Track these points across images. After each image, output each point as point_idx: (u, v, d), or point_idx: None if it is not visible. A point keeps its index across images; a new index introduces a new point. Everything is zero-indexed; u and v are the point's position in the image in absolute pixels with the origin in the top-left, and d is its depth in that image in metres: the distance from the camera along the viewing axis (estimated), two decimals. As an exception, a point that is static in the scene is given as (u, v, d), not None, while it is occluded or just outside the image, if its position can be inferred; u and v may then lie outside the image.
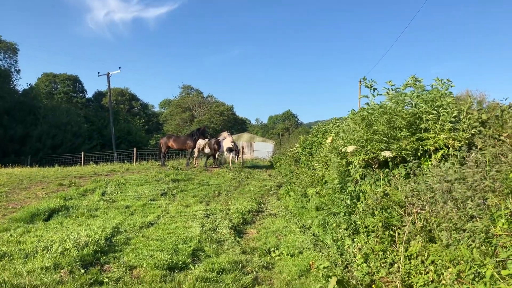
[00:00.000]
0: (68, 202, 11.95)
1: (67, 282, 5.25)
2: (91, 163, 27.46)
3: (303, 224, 9.61)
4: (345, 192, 7.20)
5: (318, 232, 8.71)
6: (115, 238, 7.85)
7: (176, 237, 8.11)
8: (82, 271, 5.84)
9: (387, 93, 7.51)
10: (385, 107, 6.83)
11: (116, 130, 50.55)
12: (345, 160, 7.56)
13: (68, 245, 6.79)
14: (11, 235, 8.07)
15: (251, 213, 11.16)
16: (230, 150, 25.87)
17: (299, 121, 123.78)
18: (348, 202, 6.81)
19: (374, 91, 7.22)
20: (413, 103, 6.88)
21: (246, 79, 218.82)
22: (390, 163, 6.71)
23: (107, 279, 5.53)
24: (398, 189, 6.19)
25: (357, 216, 6.68)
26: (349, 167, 7.51)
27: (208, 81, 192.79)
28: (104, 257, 6.65)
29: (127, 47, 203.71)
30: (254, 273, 6.24)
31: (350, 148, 6.81)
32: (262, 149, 62.53)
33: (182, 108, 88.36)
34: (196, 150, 24.88)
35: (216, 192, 15.05)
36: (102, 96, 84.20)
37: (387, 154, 6.45)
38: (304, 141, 14.09)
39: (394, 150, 6.55)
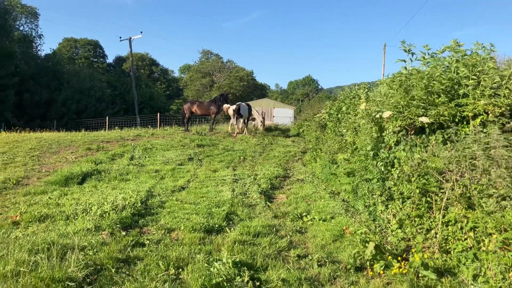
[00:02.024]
0: (99, 166, 12.20)
1: (111, 244, 5.41)
2: (116, 128, 27.84)
3: (332, 190, 9.65)
4: (379, 159, 7.16)
5: (348, 198, 8.75)
6: (150, 202, 8.03)
7: (208, 201, 8.25)
8: (123, 233, 6.02)
9: (423, 57, 7.33)
10: (423, 72, 6.68)
11: (138, 95, 50.84)
12: (379, 126, 7.48)
13: (107, 208, 6.98)
14: (49, 198, 8.32)
15: (278, 179, 11.25)
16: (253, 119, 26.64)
17: (320, 87, 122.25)
18: (382, 168, 6.78)
19: (412, 55, 7.05)
20: (452, 68, 6.71)
21: (265, 43, 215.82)
22: (427, 129, 6.62)
23: (148, 241, 5.68)
24: (435, 155, 6.13)
25: (392, 183, 6.66)
26: (383, 133, 7.44)
27: (228, 45, 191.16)
28: (142, 220, 6.83)
29: (146, 11, 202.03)
30: (288, 237, 6.33)
31: (386, 114, 6.72)
32: (282, 115, 62.17)
33: (202, 74, 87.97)
34: (231, 115, 25.06)
35: (241, 157, 15.15)
36: (122, 61, 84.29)
37: (424, 120, 6.36)
38: (331, 106, 13.95)
39: (432, 116, 6.45)
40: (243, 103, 23.87)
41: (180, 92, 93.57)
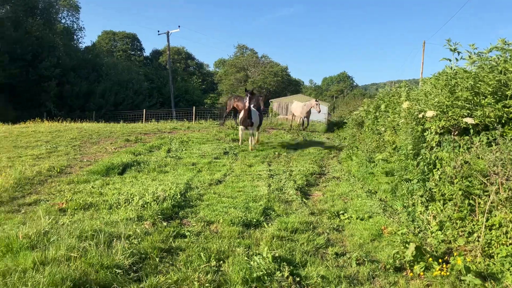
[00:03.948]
0: (138, 157, 12.50)
1: (153, 234, 5.58)
2: (152, 120, 28.38)
3: (369, 189, 9.57)
4: (420, 159, 7.07)
5: (386, 197, 8.66)
6: (188, 194, 8.20)
7: (245, 195, 8.34)
8: (164, 223, 6.18)
9: (469, 56, 7.17)
10: (470, 72, 6.53)
11: (174, 89, 51.58)
12: (421, 126, 7.37)
13: (148, 199, 7.18)
14: (92, 187, 8.61)
15: (313, 176, 11.23)
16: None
17: (354, 83, 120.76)
18: (425, 169, 6.69)
19: (458, 54, 6.90)
20: (500, 68, 6.53)
21: (301, 39, 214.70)
22: (471, 131, 6.49)
23: (188, 233, 5.82)
24: (479, 157, 6.00)
25: (433, 183, 6.56)
26: (425, 133, 7.33)
27: (263, 40, 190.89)
28: (182, 212, 6.99)
29: (184, 5, 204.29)
30: (326, 234, 6.35)
31: (430, 114, 6.62)
32: (316, 111, 61.80)
33: (236, 68, 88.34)
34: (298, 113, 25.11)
35: (276, 153, 15.18)
36: (159, 54, 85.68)
37: (469, 120, 6.23)
38: (369, 104, 13.80)
39: (477, 117, 6.31)
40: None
41: (214, 86, 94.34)
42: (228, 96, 28.81)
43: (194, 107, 33.37)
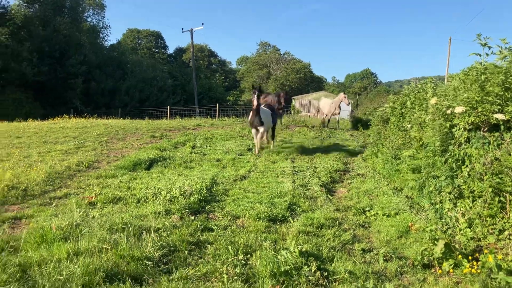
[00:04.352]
0: (163, 153, 12.68)
1: (181, 227, 5.67)
2: (176, 117, 28.69)
3: (395, 186, 9.47)
4: (448, 155, 6.96)
5: (412, 194, 8.56)
6: (214, 189, 8.28)
7: (270, 191, 8.36)
8: (192, 217, 6.27)
9: (500, 51, 7.01)
10: (501, 68, 6.39)
11: (198, 86, 51.96)
12: (449, 122, 7.25)
13: (175, 193, 7.28)
14: (120, 181, 8.78)
15: (338, 172, 11.18)
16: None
17: (378, 80, 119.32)
18: (454, 165, 6.59)
19: (488, 49, 6.76)
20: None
21: (324, 36, 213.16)
22: (502, 127, 6.36)
23: (215, 227, 5.89)
24: (510, 154, 5.88)
25: (462, 180, 6.47)
26: (453, 130, 7.21)
27: (286, 37, 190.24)
28: (208, 206, 7.07)
29: (206, 2, 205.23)
30: (352, 230, 6.32)
31: (459, 109, 6.50)
32: (345, 104, 61.22)
33: (259, 65, 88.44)
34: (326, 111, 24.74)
35: (299, 150, 15.15)
36: (182, 52, 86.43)
37: (500, 116, 6.10)
38: (394, 101, 13.62)
39: (508, 112, 6.18)
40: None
41: (237, 84, 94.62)
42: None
43: (217, 104, 33.57)
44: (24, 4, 47.34)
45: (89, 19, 56.58)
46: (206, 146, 15.09)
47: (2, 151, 12.70)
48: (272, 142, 15.73)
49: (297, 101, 55.54)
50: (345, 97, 24.28)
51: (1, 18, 43.17)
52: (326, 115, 25.70)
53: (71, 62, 43.28)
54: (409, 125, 10.99)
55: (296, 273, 4.41)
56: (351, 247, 5.59)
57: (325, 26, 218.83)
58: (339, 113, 25.31)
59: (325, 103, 25.73)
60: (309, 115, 37.89)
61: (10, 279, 3.80)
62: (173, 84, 53.86)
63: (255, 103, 13.50)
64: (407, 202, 7.93)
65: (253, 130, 14.27)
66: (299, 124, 26.81)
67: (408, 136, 11.08)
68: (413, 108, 11.28)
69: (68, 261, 4.20)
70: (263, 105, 15.17)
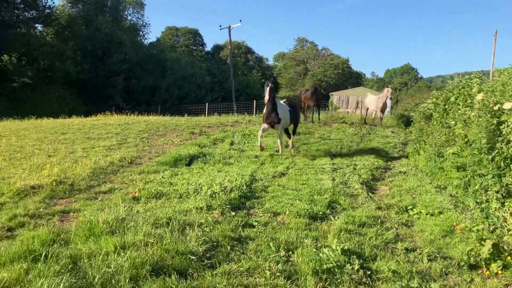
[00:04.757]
0: (203, 149, 12.86)
1: (223, 222, 5.74)
2: (214, 113, 28.99)
3: (438, 184, 9.24)
4: (496, 153, 6.72)
5: (457, 193, 8.33)
6: (254, 185, 8.33)
7: (310, 188, 8.33)
8: (232, 213, 6.33)
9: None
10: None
11: (235, 83, 52.28)
12: (496, 118, 7.00)
13: (216, 189, 7.37)
14: (162, 177, 8.97)
15: (379, 170, 11.00)
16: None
17: (419, 75, 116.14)
18: (501, 164, 6.36)
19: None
20: None
21: (363, 30, 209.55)
22: (555, 124, 6.09)
23: (256, 223, 5.93)
24: None
25: (510, 179, 6.24)
26: (501, 127, 6.95)
27: (324, 32, 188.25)
28: (248, 202, 7.13)
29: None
30: (394, 229, 6.21)
31: (508, 105, 6.27)
32: (374, 102, 60.17)
33: (296, 61, 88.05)
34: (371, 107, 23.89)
35: (338, 146, 15.01)
36: (220, 49, 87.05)
37: (553, 113, 5.85)
38: (438, 96, 13.25)
39: (562, 109, 5.91)
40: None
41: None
42: (300, 90, 28.04)
43: (254, 101, 33.67)
44: (68, 5, 48.99)
45: (129, 18, 58.01)
46: (244, 143, 15.17)
47: (49, 147, 13.22)
48: (291, 144, 14.13)
49: (335, 97, 54.96)
50: (389, 91, 22.58)
51: (47, 18, 44.83)
52: (373, 112, 24.63)
53: (112, 60, 44.48)
54: (453, 122, 10.68)
55: (339, 271, 4.38)
56: (394, 246, 5.50)
57: (364, 20, 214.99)
58: (386, 110, 23.76)
59: (371, 100, 24.46)
60: (348, 111, 37.31)
61: (63, 270, 3.95)
62: (211, 81, 54.42)
63: (267, 97, 12.05)
64: (451, 201, 7.72)
65: (264, 125, 12.95)
66: (338, 120, 26.50)
67: (452, 133, 10.77)
68: (458, 104, 10.96)
69: (116, 254, 4.33)
70: (284, 100, 14.01)
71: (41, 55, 40.59)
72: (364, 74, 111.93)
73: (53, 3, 52.54)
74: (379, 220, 6.55)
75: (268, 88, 12.04)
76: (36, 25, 46.24)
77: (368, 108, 25.09)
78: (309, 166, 11.12)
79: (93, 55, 44.15)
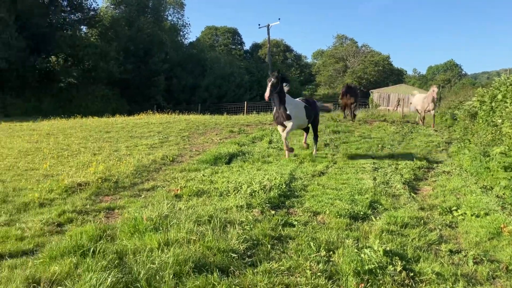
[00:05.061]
0: (242, 148, 12.96)
1: (263, 221, 5.78)
2: (253, 112, 29.11)
3: (484, 185, 8.94)
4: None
5: (504, 194, 8.03)
6: (293, 184, 8.33)
7: (350, 187, 8.25)
8: (272, 212, 6.36)
9: None
10: None
11: (273, 81, 52.20)
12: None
13: (256, 188, 7.42)
14: (203, 175, 9.11)
15: (421, 169, 10.74)
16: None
17: (463, 72, 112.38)
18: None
19: None
20: None
21: (404, 27, 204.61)
22: None
23: (296, 222, 5.93)
24: None
25: (563, 181, 5.97)
26: (553, 125, 6.67)
27: (364, 29, 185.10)
28: (288, 201, 7.14)
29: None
30: (438, 230, 6.06)
31: (561, 104, 6.00)
32: (420, 102, 58.72)
33: (335, 59, 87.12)
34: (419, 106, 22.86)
35: (379, 145, 14.77)
36: (258, 48, 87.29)
37: None
38: (483, 94, 12.81)
39: None
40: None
41: (312, 78, 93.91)
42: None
43: (293, 99, 33.55)
44: (112, 6, 50.46)
45: (169, 18, 59.15)
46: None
47: (94, 145, 13.68)
48: (314, 146, 12.95)
49: (375, 94, 54.07)
50: (435, 91, 21.38)
51: (92, 20, 46.37)
52: (420, 112, 23.09)
53: (154, 60, 45.50)
54: (500, 120, 10.33)
55: (381, 272, 4.33)
56: (437, 247, 5.37)
57: (405, 15, 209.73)
58: (433, 109, 22.12)
59: (418, 99, 23.07)
60: (388, 109, 36.57)
61: (109, 265, 4.10)
62: (249, 80, 54.69)
63: (267, 93, 10.60)
64: (498, 202, 7.45)
65: (278, 127, 11.91)
66: (378, 118, 26.05)
67: (498, 131, 10.42)
68: (505, 102, 10.59)
69: (159, 251, 4.45)
70: (301, 98, 12.80)
71: (86, 55, 42.02)
72: (406, 71, 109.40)
73: (97, 5, 54.21)
74: (422, 221, 6.41)
75: (269, 84, 10.72)
76: (81, 27, 47.89)
77: (416, 108, 23.63)
78: (349, 165, 11.01)
79: (135, 55, 45.31)
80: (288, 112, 11.18)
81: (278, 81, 10.86)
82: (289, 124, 11.29)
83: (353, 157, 12.30)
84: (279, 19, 54.47)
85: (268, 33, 49.60)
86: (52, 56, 42.27)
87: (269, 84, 10.70)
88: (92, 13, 46.87)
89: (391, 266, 4.46)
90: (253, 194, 7.19)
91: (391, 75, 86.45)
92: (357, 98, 24.30)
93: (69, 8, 46.33)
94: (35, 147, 13.26)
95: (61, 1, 45.49)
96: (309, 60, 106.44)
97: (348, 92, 23.44)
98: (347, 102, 23.71)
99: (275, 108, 11.45)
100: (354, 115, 23.73)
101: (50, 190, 7.64)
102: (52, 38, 40.99)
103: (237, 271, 4.21)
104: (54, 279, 3.87)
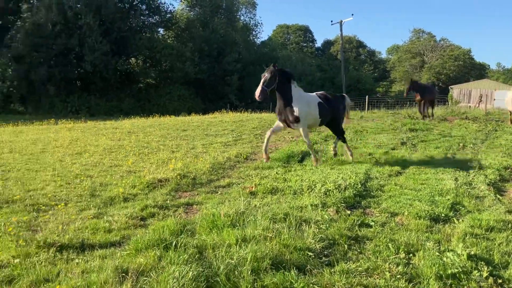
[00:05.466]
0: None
1: (339, 220, 5.72)
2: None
3: None
4: None
5: None
6: (369, 184, 8.15)
7: (430, 188, 7.91)
8: (348, 212, 6.27)
9: None
10: None
11: (346, 78, 51.44)
12: None
13: (330, 187, 7.35)
14: (276, 173, 9.18)
15: (508, 170, 10.06)
16: None
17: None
18: None
19: None
20: None
21: (488, 18, 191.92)
22: None
23: (372, 223, 5.80)
24: None
25: None
26: None
27: (443, 23, 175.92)
28: (364, 201, 6.99)
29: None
30: (528, 235, 5.66)
31: None
32: (504, 98, 54.82)
33: (411, 54, 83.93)
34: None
35: (460, 144, 14.02)
36: (330, 44, 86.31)
37: None
38: None
39: None
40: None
41: (386, 74, 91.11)
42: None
43: (367, 96, 32.80)
44: (187, 8, 52.28)
45: (242, 18, 60.15)
46: (357, 140, 14.90)
47: (172, 143, 14.26)
48: (347, 151, 11.23)
49: (455, 90, 51.33)
50: None
51: (168, 22, 48.36)
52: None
53: (227, 60, 46.55)
54: None
55: (465, 277, 4.13)
56: (528, 254, 5.02)
57: (491, 6, 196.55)
58: None
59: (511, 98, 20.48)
60: (470, 106, 34.58)
61: (190, 259, 4.27)
62: (321, 77, 54.31)
63: (258, 91, 9.16)
64: None
65: (278, 123, 10.35)
66: (459, 115, 24.74)
67: None
68: None
69: (237, 247, 4.56)
70: (319, 93, 10.89)
71: (163, 57, 43.95)
72: (489, 66, 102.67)
73: (173, 7, 56.53)
74: (509, 225, 6.00)
75: (262, 80, 9.28)
76: (159, 29, 50.12)
77: (509, 109, 21.21)
78: (428, 164, 10.56)
79: (209, 55, 46.59)
80: (296, 114, 9.58)
81: (274, 77, 9.31)
82: (298, 127, 9.84)
83: (432, 156, 11.78)
84: (352, 14, 53.51)
85: (341, 30, 48.75)
86: (132, 58, 44.66)
87: (262, 81, 9.24)
88: (168, 15, 48.91)
89: (476, 271, 4.23)
90: (328, 193, 7.13)
91: (472, 70, 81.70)
92: (425, 94, 22.49)
93: (147, 12, 48.67)
94: (118, 144, 14.09)
95: (140, 6, 47.87)
96: (383, 55, 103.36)
97: (413, 89, 22.10)
98: (416, 99, 22.54)
99: (277, 102, 9.94)
100: (425, 113, 22.37)
101: (133, 185, 8.09)
102: (132, 41, 43.29)
103: (314, 270, 4.21)
104: (140, 270, 4.10)
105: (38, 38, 40.14)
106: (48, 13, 40.62)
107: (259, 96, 9.14)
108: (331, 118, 10.79)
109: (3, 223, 5.77)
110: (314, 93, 10.71)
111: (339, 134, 11.28)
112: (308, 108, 9.86)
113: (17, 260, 4.51)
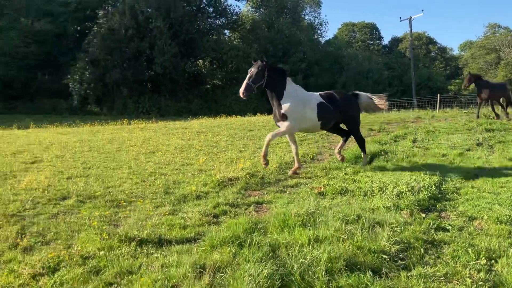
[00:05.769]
0: (384, 146, 12.57)
1: (413, 224, 5.55)
2: (393, 109, 27.99)
3: None
4: None
5: None
6: (443, 186, 7.84)
7: (511, 192, 7.46)
8: (422, 215, 6.07)
9: None
10: None
11: (416, 76, 49.66)
12: None
13: (402, 189, 7.14)
14: (345, 174, 9.06)
15: None
16: None
17: None
18: None
19: None
20: None
21: None
22: None
23: (449, 227, 5.57)
24: None
25: None
26: None
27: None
28: (439, 204, 6.73)
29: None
30: None
31: None
32: None
33: (486, 50, 79.18)
34: None
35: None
36: (398, 42, 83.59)
37: None
38: None
39: None
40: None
41: (458, 72, 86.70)
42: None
43: (438, 95, 31.44)
44: (252, 10, 52.88)
45: (306, 17, 59.86)
46: (429, 140, 14.33)
47: (239, 142, 14.50)
48: (364, 156, 10.43)
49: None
50: None
51: (234, 24, 49.20)
52: None
53: (292, 60, 46.55)
54: None
55: (554, 287, 3.87)
56: None
57: None
58: None
59: None
60: None
61: (264, 257, 4.34)
62: (389, 76, 52.79)
63: (242, 88, 8.44)
64: None
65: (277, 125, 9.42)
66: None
67: None
68: None
69: (310, 247, 4.57)
70: (326, 92, 9.80)
71: (229, 58, 44.80)
72: None
73: (239, 9, 57.47)
74: None
75: (248, 75, 8.57)
76: (225, 31, 51.14)
77: None
78: (507, 166, 9.97)
79: (274, 56, 46.81)
80: (283, 111, 8.75)
81: (261, 72, 8.53)
82: (283, 125, 8.87)
83: (511, 158, 11.10)
84: (422, 10, 51.62)
85: (410, 26, 47.26)
86: (200, 60, 45.90)
87: (247, 76, 8.50)
88: (234, 17, 49.75)
89: None
90: (400, 195, 6.93)
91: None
92: (494, 92, 20.71)
93: (214, 14, 49.81)
94: (188, 144, 14.54)
95: (207, 8, 49.12)
96: (455, 52, 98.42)
97: (476, 86, 20.40)
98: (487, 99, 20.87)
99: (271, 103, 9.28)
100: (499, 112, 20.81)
101: (204, 183, 8.33)
102: (199, 43, 44.50)
103: (390, 273, 4.12)
104: (216, 266, 4.23)
105: (113, 42, 42.45)
106: (122, 18, 42.84)
107: (243, 92, 8.40)
108: (342, 120, 9.99)
109: (87, 217, 6.18)
110: (317, 93, 9.67)
111: (356, 137, 10.29)
112: (302, 108, 8.93)
113: (102, 252, 4.81)
